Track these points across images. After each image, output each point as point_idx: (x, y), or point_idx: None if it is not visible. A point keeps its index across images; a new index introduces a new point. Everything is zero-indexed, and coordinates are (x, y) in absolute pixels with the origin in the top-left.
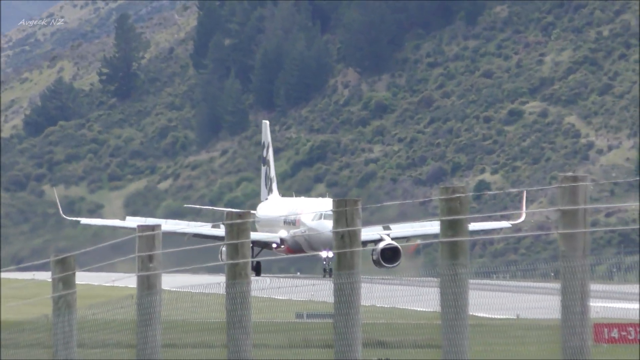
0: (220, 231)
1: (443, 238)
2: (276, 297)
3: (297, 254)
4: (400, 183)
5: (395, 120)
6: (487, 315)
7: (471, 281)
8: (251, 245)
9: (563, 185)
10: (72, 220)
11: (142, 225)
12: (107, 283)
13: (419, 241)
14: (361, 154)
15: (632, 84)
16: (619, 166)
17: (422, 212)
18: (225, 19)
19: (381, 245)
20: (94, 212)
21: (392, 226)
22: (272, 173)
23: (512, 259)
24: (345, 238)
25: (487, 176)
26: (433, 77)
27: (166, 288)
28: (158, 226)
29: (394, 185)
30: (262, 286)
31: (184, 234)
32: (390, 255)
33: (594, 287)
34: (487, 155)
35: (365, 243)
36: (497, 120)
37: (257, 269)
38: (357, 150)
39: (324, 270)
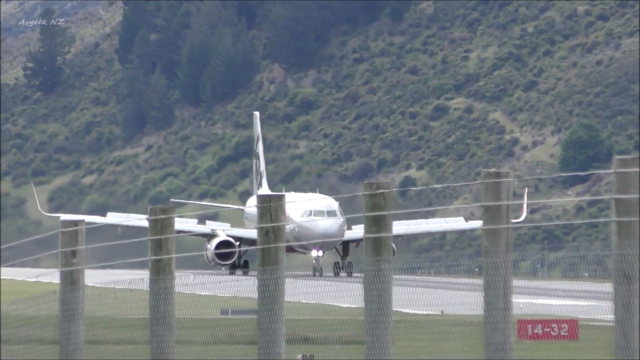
0: (206, 228)
1: (367, 234)
2: (201, 293)
3: (286, 252)
4: (326, 179)
5: (321, 116)
6: (411, 311)
7: (395, 277)
8: (238, 243)
9: (486, 181)
10: (51, 216)
11: (65, 221)
12: (30, 278)
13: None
14: (287, 150)
15: (557, 80)
16: (543, 162)
17: (348, 209)
18: (151, 14)
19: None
20: (18, 207)
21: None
22: (262, 167)
23: (436, 255)
24: (269, 234)
25: (412, 172)
26: (359, 73)
27: (90, 284)
28: (82, 221)
29: (320, 181)
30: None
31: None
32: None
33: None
34: (412, 151)
35: (359, 241)
36: (423, 116)
37: (245, 267)
38: (282, 145)
39: (314, 269)
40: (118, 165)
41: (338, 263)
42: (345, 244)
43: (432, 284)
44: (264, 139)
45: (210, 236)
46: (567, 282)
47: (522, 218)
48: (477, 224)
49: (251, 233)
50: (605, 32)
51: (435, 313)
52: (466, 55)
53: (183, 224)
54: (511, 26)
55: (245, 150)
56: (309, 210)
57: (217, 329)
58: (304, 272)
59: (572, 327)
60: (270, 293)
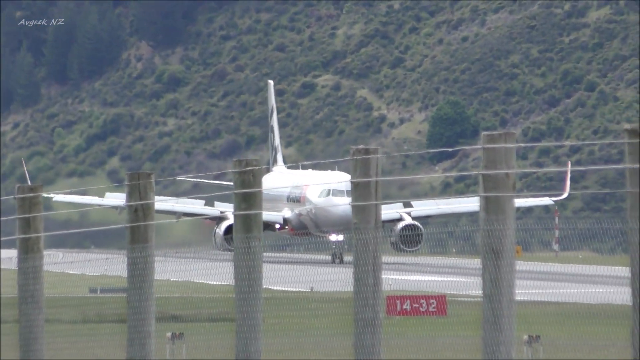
0: (215, 210)
1: (237, 211)
2: (70, 271)
3: (302, 235)
4: (195, 156)
5: (189, 93)
6: (281, 288)
7: (265, 254)
8: None
9: (355, 158)
10: (45, 197)
11: None
12: None
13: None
14: (155, 128)
15: (423, 57)
16: (410, 139)
17: (216, 186)
18: None
19: (400, 225)
20: None
21: (413, 203)
22: (277, 141)
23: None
24: (138, 211)
25: (281, 149)
26: (226, 50)
27: None
28: None
29: (188, 159)
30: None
31: (173, 213)
32: (410, 236)
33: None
34: (281, 128)
35: (382, 223)
36: (291, 94)
37: None
38: (150, 123)
39: (333, 255)
40: None
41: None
42: None
43: (301, 261)
44: (132, 117)
45: (220, 219)
46: (436, 257)
47: (565, 195)
48: (540, 201)
49: (264, 215)
50: (471, 9)
51: (305, 290)
52: (333, 32)
53: (190, 205)
54: (377, 3)
55: (113, 129)
56: (326, 190)
57: (86, 307)
58: (321, 257)
59: (440, 303)
60: (139, 271)
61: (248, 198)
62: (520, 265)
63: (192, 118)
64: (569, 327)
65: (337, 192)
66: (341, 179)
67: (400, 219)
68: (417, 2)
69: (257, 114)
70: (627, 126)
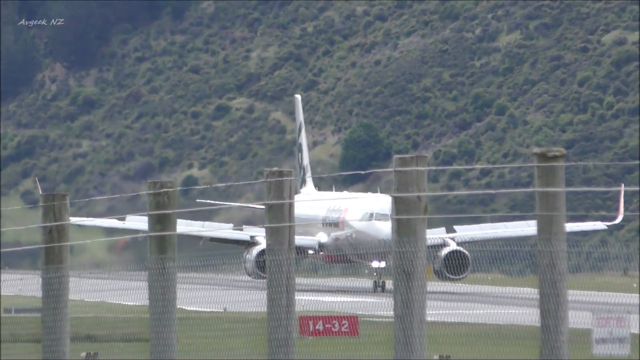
0: (244, 235)
1: (152, 232)
2: None
3: (340, 262)
4: (109, 178)
5: (104, 115)
6: (195, 309)
7: (180, 275)
8: None
9: (269, 180)
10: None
11: None
12: None
13: (127, 237)
14: (69, 149)
15: (337, 80)
16: (324, 161)
17: (130, 207)
18: None
19: (445, 251)
20: None
21: (457, 228)
22: (306, 161)
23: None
24: (53, 232)
25: (194, 171)
26: (141, 72)
27: None
28: None
29: (103, 180)
30: None
31: (199, 238)
32: (456, 263)
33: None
34: (195, 150)
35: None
36: (205, 116)
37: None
38: (65, 145)
39: (375, 283)
40: None
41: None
42: None
43: (215, 282)
44: (46, 138)
45: (249, 244)
46: (349, 279)
47: (618, 220)
48: (593, 225)
49: (297, 240)
50: (384, 33)
51: (218, 310)
52: (247, 55)
53: (217, 230)
54: (291, 26)
55: (28, 150)
56: (369, 213)
57: (1, 327)
58: (362, 285)
59: (352, 324)
60: (54, 292)
61: (162, 219)
62: (431, 286)
63: (106, 140)
64: (478, 348)
65: (380, 216)
66: (383, 202)
67: (444, 245)
68: (330, 26)
69: (171, 136)
70: (536, 150)
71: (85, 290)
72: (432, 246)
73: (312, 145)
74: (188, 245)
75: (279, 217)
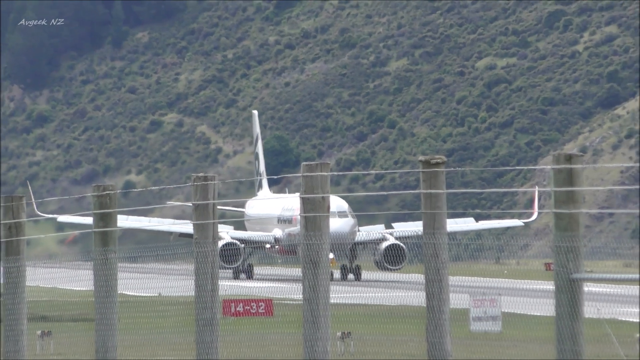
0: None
1: (96, 229)
2: None
3: (292, 254)
4: (59, 182)
5: (55, 129)
6: (134, 294)
7: (120, 264)
8: (242, 245)
9: (196, 184)
10: (47, 217)
11: None
12: None
13: (76, 232)
14: (25, 158)
15: (253, 98)
16: (242, 168)
17: (78, 207)
18: None
19: (384, 245)
20: None
21: (395, 225)
22: (262, 168)
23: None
24: (12, 229)
25: (133, 177)
26: (86, 92)
27: None
28: None
29: (54, 185)
30: None
31: (169, 233)
32: (393, 256)
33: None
34: (132, 158)
35: (365, 243)
36: (141, 129)
37: (249, 272)
38: (22, 154)
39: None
40: None
41: (345, 266)
42: (354, 246)
43: (151, 270)
44: (6, 149)
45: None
46: (264, 267)
47: (533, 217)
48: (512, 222)
49: (256, 235)
50: (292, 59)
51: (154, 295)
52: (177, 77)
53: (184, 226)
54: (214, 53)
55: None
56: None
57: None
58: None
59: (267, 306)
60: (13, 279)
61: (105, 217)
62: (335, 273)
63: (57, 150)
64: (374, 325)
65: (333, 214)
66: (332, 202)
67: (383, 239)
68: (247, 53)
69: (113, 146)
70: (421, 158)
71: (40, 278)
72: (373, 240)
73: (233, 154)
74: (162, 239)
75: (204, 215)
